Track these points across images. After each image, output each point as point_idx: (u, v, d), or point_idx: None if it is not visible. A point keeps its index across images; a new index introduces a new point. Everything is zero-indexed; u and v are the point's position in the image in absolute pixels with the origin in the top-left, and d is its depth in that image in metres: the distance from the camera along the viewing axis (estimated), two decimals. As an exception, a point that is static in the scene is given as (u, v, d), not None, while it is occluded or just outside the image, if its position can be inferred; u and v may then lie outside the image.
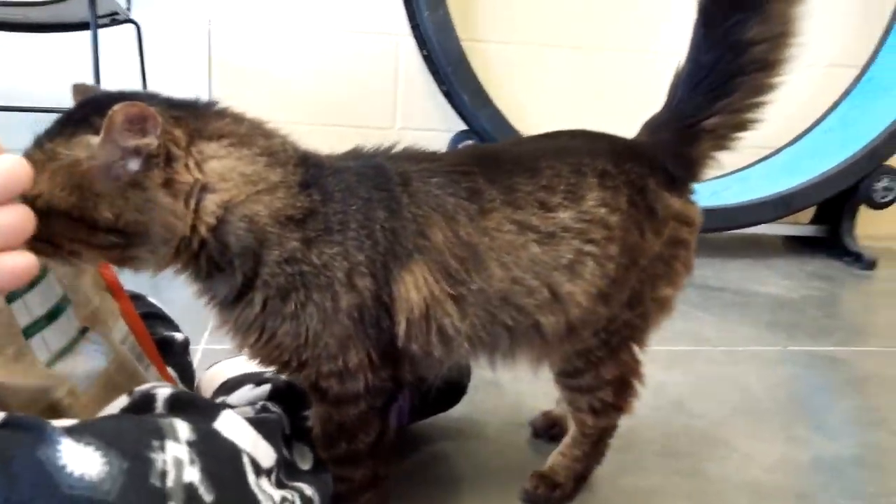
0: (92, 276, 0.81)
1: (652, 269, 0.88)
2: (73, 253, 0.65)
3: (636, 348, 0.94)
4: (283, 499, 0.63)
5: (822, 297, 1.97)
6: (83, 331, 0.78)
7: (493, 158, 0.85)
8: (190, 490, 0.54)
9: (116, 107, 0.60)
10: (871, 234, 2.42)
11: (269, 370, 0.93)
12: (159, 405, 0.66)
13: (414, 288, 0.75)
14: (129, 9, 2.10)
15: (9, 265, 0.48)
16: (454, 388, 1.09)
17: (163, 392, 0.66)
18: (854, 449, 1.18)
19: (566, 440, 1.01)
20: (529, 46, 2.35)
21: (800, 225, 2.41)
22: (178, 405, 0.65)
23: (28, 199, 0.57)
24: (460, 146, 2.24)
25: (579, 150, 0.87)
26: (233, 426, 0.63)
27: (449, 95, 2.19)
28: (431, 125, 2.36)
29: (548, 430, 1.14)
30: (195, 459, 0.55)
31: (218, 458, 0.58)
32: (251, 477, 0.60)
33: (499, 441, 1.14)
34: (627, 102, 2.42)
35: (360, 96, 2.32)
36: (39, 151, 0.63)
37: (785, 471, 1.12)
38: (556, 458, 1.00)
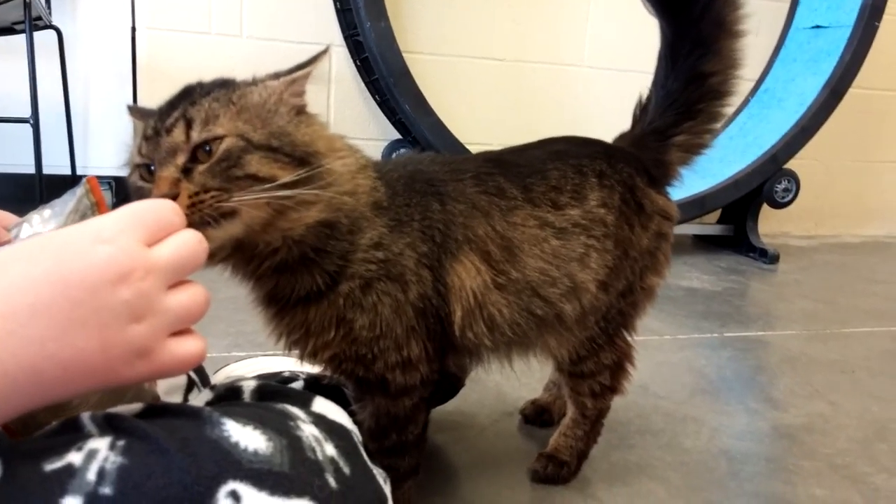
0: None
1: (642, 261, 0.98)
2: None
3: (628, 334, 1.02)
4: (385, 478, 0.65)
5: (740, 289, 2.14)
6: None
7: (506, 162, 0.91)
8: (334, 462, 0.55)
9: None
10: (766, 232, 2.66)
11: (295, 368, 0.93)
12: (247, 396, 0.66)
13: (467, 277, 0.79)
14: (49, 14, 2.00)
15: (181, 353, 0.48)
16: (452, 383, 1.12)
17: (248, 384, 0.66)
18: (802, 418, 1.31)
19: (567, 422, 1.06)
20: (461, 59, 2.43)
21: (708, 224, 2.61)
22: (267, 395, 0.65)
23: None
24: (394, 155, 2.27)
25: (579, 153, 0.96)
26: (330, 409, 0.64)
27: (386, 105, 2.22)
28: (365, 134, 2.38)
29: (538, 416, 1.19)
30: (327, 438, 0.57)
31: (340, 435, 0.59)
32: (363, 452, 0.61)
33: (491, 430, 1.18)
34: (553, 112, 2.56)
35: (291, 105, 2.31)
36: None
37: (751, 439, 1.23)
38: (559, 439, 1.06)
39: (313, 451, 0.54)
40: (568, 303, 0.89)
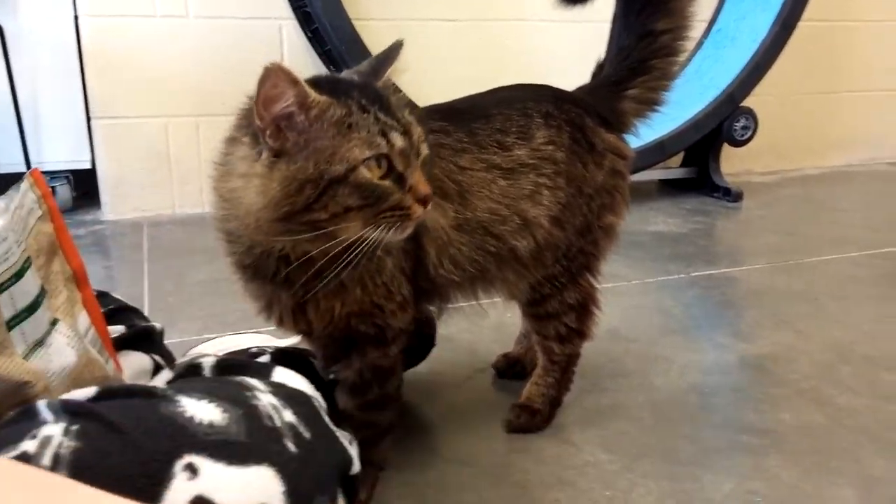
0: (60, 264, 0.78)
1: (598, 199, 1.00)
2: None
3: (592, 276, 1.04)
4: (350, 440, 0.66)
5: (705, 229, 2.17)
6: (54, 322, 0.75)
7: (451, 109, 0.94)
8: (293, 428, 0.56)
9: None
10: (730, 171, 2.68)
11: (263, 344, 0.94)
12: (206, 372, 0.66)
13: (440, 215, 0.84)
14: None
15: None
16: (424, 343, 1.14)
17: (207, 360, 0.67)
18: (769, 348, 1.35)
19: (538, 371, 1.09)
20: (412, 22, 2.40)
21: (672, 169, 2.63)
22: (226, 369, 0.66)
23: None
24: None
25: (523, 97, 0.99)
26: (290, 378, 0.65)
27: (340, 74, 2.19)
28: (323, 106, 2.35)
29: (510, 369, 1.21)
30: (285, 405, 0.58)
31: (298, 402, 0.60)
32: (325, 417, 0.62)
33: (466, 386, 1.20)
34: (511, 68, 2.54)
35: (246, 84, 2.27)
36: None
37: (720, 372, 1.26)
38: (530, 388, 1.08)
39: (270, 418, 0.55)
40: (521, 239, 0.93)
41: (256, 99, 0.65)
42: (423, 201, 0.70)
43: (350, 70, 0.80)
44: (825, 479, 0.95)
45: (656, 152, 2.39)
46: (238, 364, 0.67)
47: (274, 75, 0.63)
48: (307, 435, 0.57)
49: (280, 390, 0.60)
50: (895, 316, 1.50)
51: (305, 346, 0.96)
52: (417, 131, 0.70)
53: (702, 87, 2.52)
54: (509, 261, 0.93)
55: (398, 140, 0.68)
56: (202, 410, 0.50)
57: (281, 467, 0.51)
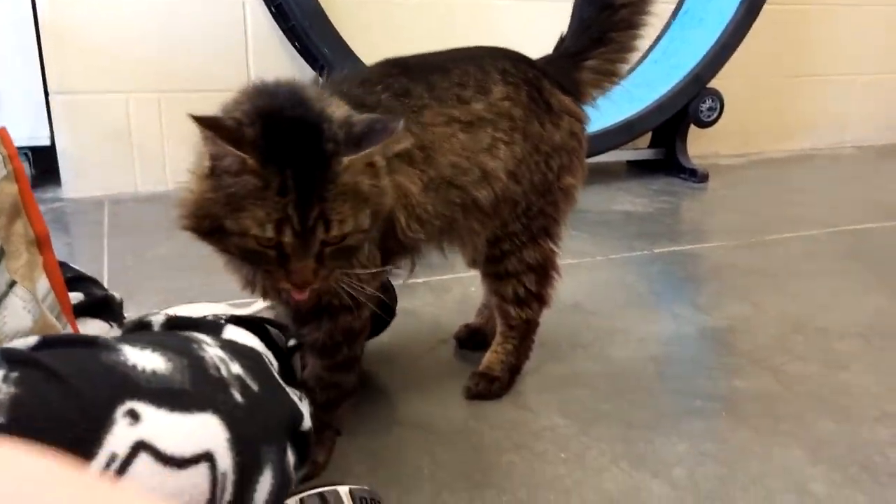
0: (23, 227, 0.76)
1: (557, 159, 1.01)
2: None
3: (551, 240, 1.05)
4: (300, 396, 0.66)
5: (670, 208, 2.19)
6: (11, 284, 0.74)
7: (407, 64, 0.94)
8: (241, 380, 0.56)
9: None
10: (697, 153, 2.70)
11: (219, 312, 0.94)
12: (156, 328, 0.66)
13: (404, 181, 0.84)
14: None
15: None
16: (385, 313, 1.14)
17: (157, 318, 0.66)
18: (726, 320, 1.37)
19: (497, 339, 1.09)
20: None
21: (641, 150, 2.64)
22: (175, 326, 0.65)
23: None
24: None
25: (481, 54, 1.01)
26: (240, 335, 0.64)
27: (307, 52, 2.17)
28: (289, 84, 2.33)
29: (471, 339, 1.22)
30: (232, 358, 0.57)
31: (247, 357, 0.60)
32: (275, 373, 0.62)
33: (428, 356, 1.21)
34: (476, 43, 2.54)
35: (209, 60, 2.23)
36: None
37: (677, 343, 1.28)
38: (490, 356, 1.09)
39: (217, 369, 0.55)
40: (482, 189, 0.94)
41: (203, 132, 0.66)
42: (299, 287, 0.71)
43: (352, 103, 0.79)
44: (774, 440, 0.97)
45: (624, 133, 2.40)
46: (189, 321, 0.67)
47: (213, 140, 0.66)
48: (254, 387, 0.56)
49: (229, 345, 0.60)
50: (849, 289, 1.53)
51: (266, 314, 0.96)
52: (321, 233, 0.69)
53: (669, 69, 2.54)
54: (473, 210, 0.95)
55: (288, 235, 0.68)
56: (145, 359, 0.50)
57: (225, 415, 0.51)
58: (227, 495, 0.49)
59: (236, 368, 0.57)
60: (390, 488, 0.84)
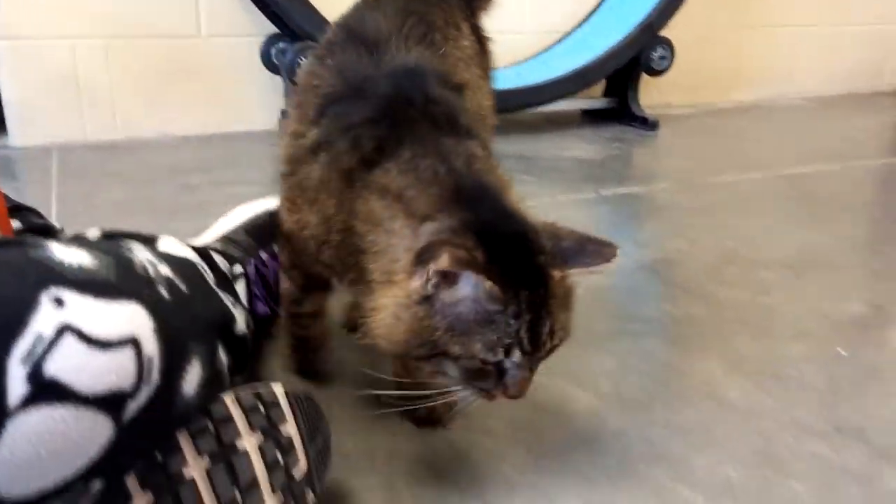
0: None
1: (488, 83, 1.04)
2: None
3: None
4: (234, 303, 0.68)
5: (620, 155, 2.24)
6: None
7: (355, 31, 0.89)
8: (169, 280, 0.58)
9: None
10: (650, 104, 2.75)
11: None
12: (90, 239, 0.67)
13: None
14: None
15: None
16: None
17: (92, 232, 0.68)
18: (664, 254, 1.43)
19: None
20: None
21: (594, 99, 2.68)
22: (111, 237, 0.67)
23: None
24: (273, 51, 2.22)
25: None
26: (176, 246, 0.67)
27: (258, -3, 2.14)
28: (240, 30, 2.30)
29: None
30: (162, 261, 0.59)
31: (179, 263, 0.62)
32: (210, 278, 0.65)
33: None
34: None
35: (157, 5, 2.19)
36: None
37: (616, 275, 1.33)
38: None
39: (145, 269, 0.57)
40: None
41: (428, 261, 0.62)
42: (510, 397, 0.67)
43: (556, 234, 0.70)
44: (697, 356, 1.04)
45: (577, 81, 2.43)
46: (124, 233, 0.69)
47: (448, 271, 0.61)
48: (183, 287, 0.59)
49: (161, 254, 0.62)
50: (781, 226, 1.60)
51: (217, 246, 0.98)
52: (549, 346, 0.66)
53: (622, 17, 2.56)
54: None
55: (517, 356, 0.64)
56: (71, 255, 0.52)
57: (151, 307, 0.53)
58: (154, 380, 0.52)
59: (165, 270, 0.59)
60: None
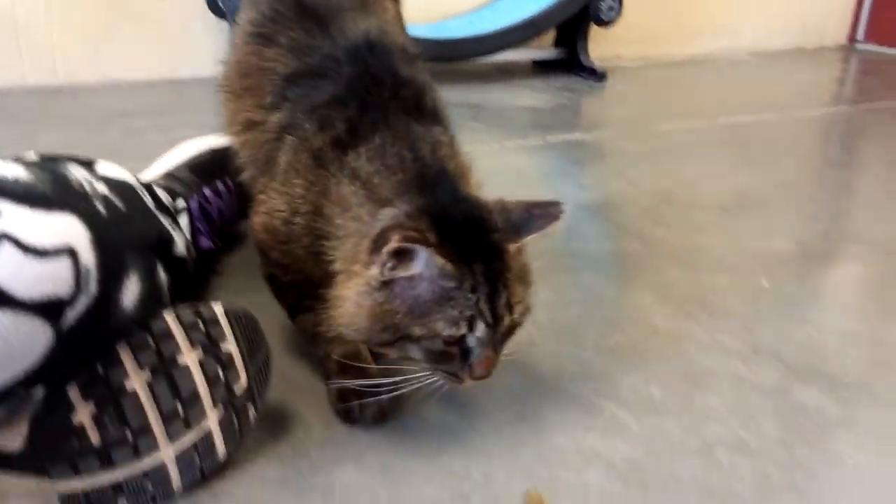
0: None
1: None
2: None
3: None
4: (173, 226, 0.70)
5: (569, 104, 2.28)
6: None
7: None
8: (106, 198, 0.59)
9: None
10: (600, 56, 2.78)
11: None
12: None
13: None
14: None
15: None
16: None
17: (30, 154, 0.68)
18: (603, 196, 1.47)
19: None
20: None
21: (544, 49, 2.70)
22: (50, 159, 0.67)
23: None
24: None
25: None
26: (115, 170, 0.67)
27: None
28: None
29: None
30: (99, 180, 0.61)
31: (116, 184, 0.64)
32: (149, 202, 0.66)
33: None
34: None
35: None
36: None
37: (556, 214, 1.37)
38: None
39: (81, 185, 0.59)
40: None
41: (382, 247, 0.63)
42: (477, 378, 0.69)
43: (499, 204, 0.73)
44: (629, 286, 1.09)
45: (528, 30, 2.44)
46: (63, 156, 0.69)
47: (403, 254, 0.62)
48: (119, 205, 0.60)
49: (97, 174, 0.63)
50: (717, 170, 1.66)
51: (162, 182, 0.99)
52: (508, 320, 0.68)
53: (574, -33, 2.57)
54: None
55: (480, 330, 0.66)
56: (7, 169, 0.53)
57: (87, 219, 0.54)
58: (92, 290, 0.54)
59: (102, 188, 0.60)
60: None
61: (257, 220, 0.80)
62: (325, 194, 0.73)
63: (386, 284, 0.65)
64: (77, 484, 0.60)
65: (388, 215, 0.67)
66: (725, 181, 1.58)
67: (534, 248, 1.21)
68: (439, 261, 0.63)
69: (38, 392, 0.55)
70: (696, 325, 1.00)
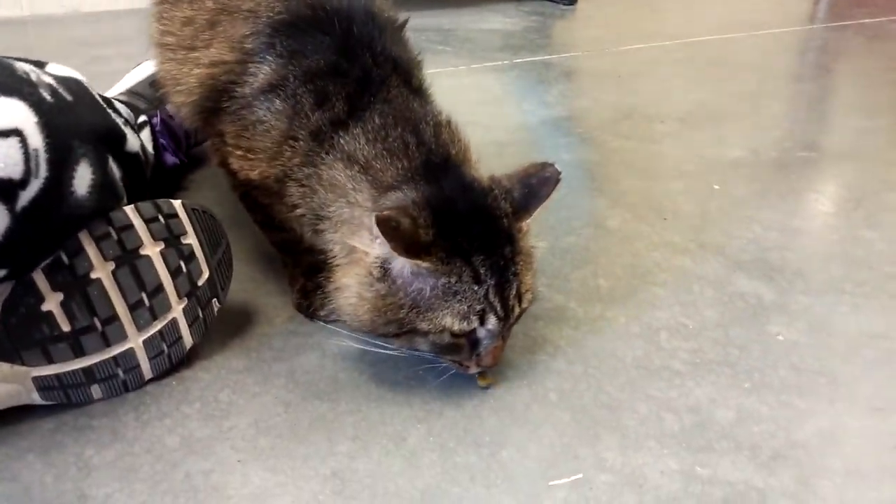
0: None
1: None
2: None
3: None
4: (126, 123, 0.72)
5: (538, 27, 2.27)
6: None
7: None
8: (52, 87, 0.61)
9: None
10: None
11: None
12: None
13: None
14: None
15: None
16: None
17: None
18: (567, 112, 1.50)
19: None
20: None
21: (516, -26, 2.67)
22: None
23: None
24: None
25: None
26: (64, 70, 0.69)
27: None
28: None
29: None
30: (46, 75, 0.62)
31: (64, 79, 0.65)
32: (98, 97, 0.68)
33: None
34: None
35: None
36: None
37: (520, 131, 1.40)
38: None
39: (27, 74, 0.61)
40: None
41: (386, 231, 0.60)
42: (484, 367, 0.68)
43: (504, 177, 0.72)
44: (585, 192, 1.13)
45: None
46: (12, 57, 0.70)
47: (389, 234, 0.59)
48: (66, 95, 0.62)
49: (45, 70, 0.65)
50: (679, 86, 1.69)
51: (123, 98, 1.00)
52: (518, 310, 0.67)
53: None
54: None
55: (492, 323, 0.65)
56: None
57: (33, 104, 0.57)
58: (43, 172, 0.57)
59: (48, 79, 0.62)
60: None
61: (242, 175, 0.75)
62: (318, 177, 0.69)
63: (386, 273, 0.63)
64: (51, 370, 0.64)
65: (392, 199, 0.64)
66: (686, 96, 1.61)
67: (494, 160, 1.24)
68: (418, 264, 0.61)
69: (6, 281, 0.59)
70: (647, 227, 1.04)
